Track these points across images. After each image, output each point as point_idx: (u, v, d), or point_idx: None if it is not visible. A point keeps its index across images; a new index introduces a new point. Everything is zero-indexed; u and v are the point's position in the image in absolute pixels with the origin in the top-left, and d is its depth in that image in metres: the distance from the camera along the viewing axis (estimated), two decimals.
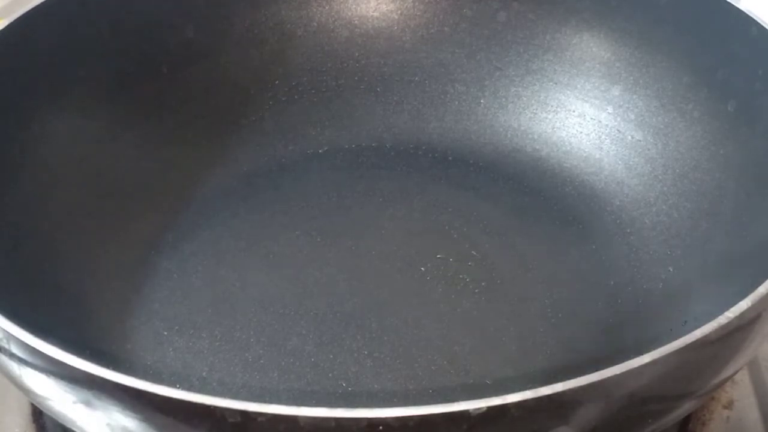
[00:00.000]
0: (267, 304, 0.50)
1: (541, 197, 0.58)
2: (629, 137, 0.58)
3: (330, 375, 0.46)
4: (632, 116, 0.58)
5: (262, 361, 0.47)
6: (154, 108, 0.58)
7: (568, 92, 0.61)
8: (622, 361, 0.31)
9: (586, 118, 0.60)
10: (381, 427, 0.30)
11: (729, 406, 0.48)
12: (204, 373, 0.47)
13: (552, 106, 0.62)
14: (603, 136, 0.59)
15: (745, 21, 0.51)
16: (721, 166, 0.52)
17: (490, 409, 0.30)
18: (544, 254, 0.54)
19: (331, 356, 0.47)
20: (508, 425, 0.31)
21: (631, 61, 0.59)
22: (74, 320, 0.46)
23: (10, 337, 0.34)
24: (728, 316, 0.34)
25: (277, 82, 0.63)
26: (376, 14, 0.64)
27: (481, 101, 0.63)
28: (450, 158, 0.62)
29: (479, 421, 0.30)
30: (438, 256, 0.54)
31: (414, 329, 0.49)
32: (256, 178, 0.59)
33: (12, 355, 0.35)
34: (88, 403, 0.33)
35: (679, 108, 0.56)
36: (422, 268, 0.53)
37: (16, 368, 0.35)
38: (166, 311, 0.50)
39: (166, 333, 0.48)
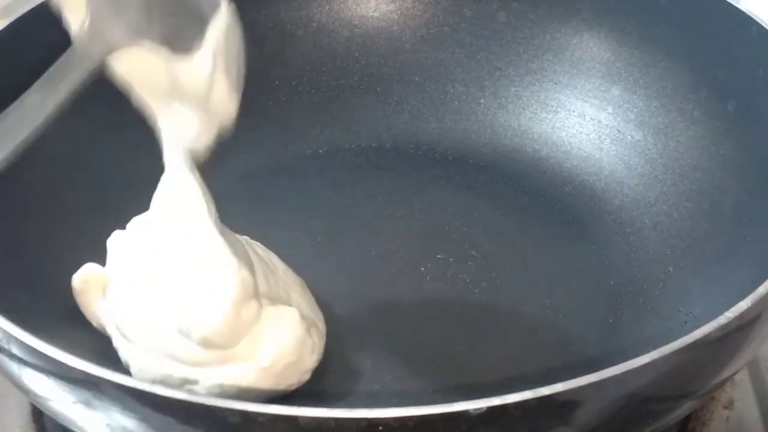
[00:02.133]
0: None
1: (541, 197, 0.58)
2: (629, 137, 0.58)
3: (330, 375, 0.46)
4: (632, 116, 0.58)
5: None
6: None
7: (568, 92, 0.61)
8: (622, 361, 0.31)
9: (586, 118, 0.60)
10: (381, 427, 0.30)
11: (729, 406, 0.48)
12: None
13: (552, 106, 0.62)
14: (603, 136, 0.59)
15: (745, 21, 0.51)
16: (721, 166, 0.52)
17: (490, 409, 0.30)
18: (544, 254, 0.54)
19: (331, 356, 0.47)
20: (508, 425, 0.31)
21: (631, 61, 0.59)
22: (74, 320, 0.46)
23: (10, 337, 0.34)
24: (728, 316, 0.34)
25: (277, 82, 0.63)
26: (376, 14, 0.64)
27: (481, 101, 0.63)
28: (450, 158, 0.62)
29: (479, 421, 0.30)
30: (438, 256, 0.54)
31: (414, 329, 0.49)
32: (256, 178, 0.59)
33: (12, 355, 0.35)
34: (88, 403, 0.33)
35: (679, 108, 0.56)
36: (422, 268, 0.53)
37: (16, 368, 0.36)
38: None
39: None
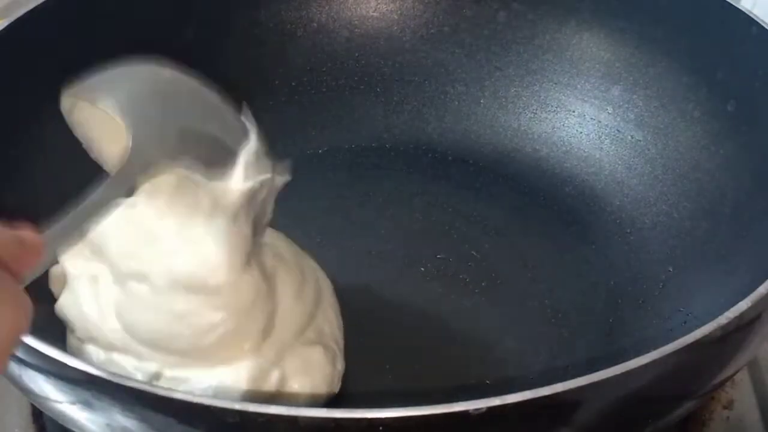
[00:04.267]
0: None
1: (541, 197, 0.58)
2: (629, 137, 0.58)
3: None
4: (632, 116, 0.58)
5: None
6: None
7: (568, 92, 0.61)
8: (622, 361, 0.31)
9: (586, 118, 0.60)
10: (381, 427, 0.30)
11: (729, 406, 0.48)
12: None
13: (552, 106, 0.61)
14: (603, 136, 0.59)
15: (745, 21, 0.51)
16: (721, 166, 0.52)
17: (490, 409, 0.30)
18: (544, 254, 0.54)
19: None
20: (508, 425, 0.31)
21: (631, 61, 0.59)
22: None
23: None
24: (728, 316, 0.34)
25: (277, 82, 0.63)
26: (376, 14, 0.64)
27: (481, 101, 0.63)
28: (450, 158, 0.62)
29: (479, 421, 0.30)
30: (438, 256, 0.54)
31: (414, 329, 0.49)
32: None
33: (12, 355, 0.35)
34: (88, 403, 0.33)
35: (679, 108, 0.56)
36: (422, 268, 0.53)
37: (16, 368, 0.35)
38: None
39: None
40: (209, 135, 0.40)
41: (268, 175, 0.41)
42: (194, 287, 0.38)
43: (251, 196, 0.40)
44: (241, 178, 0.39)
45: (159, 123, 0.38)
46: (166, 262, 0.39)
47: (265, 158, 0.41)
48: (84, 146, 0.41)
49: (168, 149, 0.38)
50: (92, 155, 0.41)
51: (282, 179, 0.42)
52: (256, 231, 0.41)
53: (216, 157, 0.40)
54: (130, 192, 0.38)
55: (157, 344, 0.40)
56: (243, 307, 0.39)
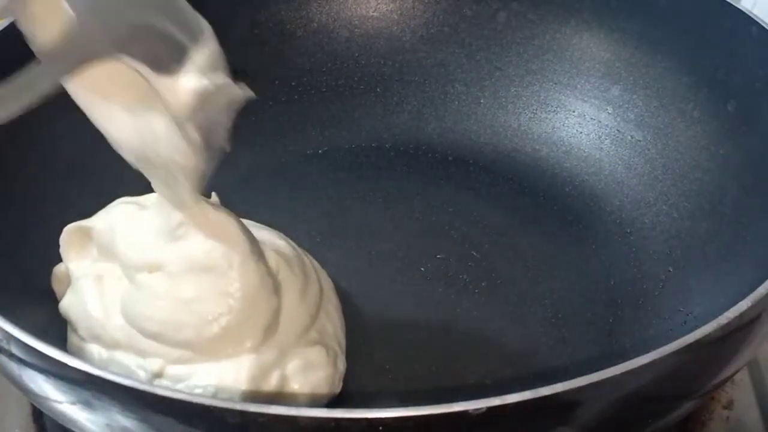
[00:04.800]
0: None
1: (541, 197, 0.58)
2: (629, 137, 0.58)
3: None
4: (632, 116, 0.58)
5: None
6: None
7: (568, 92, 0.61)
8: (622, 361, 0.31)
9: (586, 118, 0.60)
10: (381, 428, 0.30)
11: (729, 406, 0.48)
12: None
13: (552, 106, 0.62)
14: (603, 136, 0.59)
15: (745, 21, 0.51)
16: (721, 166, 0.52)
17: (490, 409, 0.30)
18: (544, 254, 0.54)
19: None
20: (508, 425, 0.31)
21: (631, 61, 0.59)
22: None
23: (10, 337, 0.34)
24: (728, 316, 0.34)
25: (277, 82, 0.63)
26: (376, 14, 0.64)
27: (481, 101, 0.63)
28: (450, 158, 0.62)
29: (479, 421, 0.30)
30: (438, 256, 0.54)
31: (414, 329, 0.49)
32: (256, 178, 0.59)
33: (12, 355, 0.35)
34: (88, 403, 0.33)
35: (679, 108, 0.56)
36: (422, 268, 0.53)
37: (16, 368, 0.35)
38: None
39: None
40: (161, 29, 0.36)
41: (226, 81, 0.37)
42: (211, 266, 0.39)
43: (204, 101, 0.36)
44: (194, 77, 0.36)
45: (105, 8, 0.34)
46: (182, 246, 0.40)
47: (224, 64, 0.38)
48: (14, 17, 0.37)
49: (112, 38, 0.34)
50: (21, 25, 0.37)
51: (242, 94, 0.38)
52: (208, 149, 0.39)
53: (166, 54, 0.36)
54: (59, 81, 0.34)
55: (162, 336, 0.40)
56: (249, 295, 0.40)
